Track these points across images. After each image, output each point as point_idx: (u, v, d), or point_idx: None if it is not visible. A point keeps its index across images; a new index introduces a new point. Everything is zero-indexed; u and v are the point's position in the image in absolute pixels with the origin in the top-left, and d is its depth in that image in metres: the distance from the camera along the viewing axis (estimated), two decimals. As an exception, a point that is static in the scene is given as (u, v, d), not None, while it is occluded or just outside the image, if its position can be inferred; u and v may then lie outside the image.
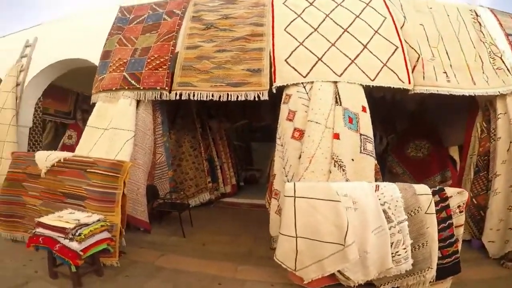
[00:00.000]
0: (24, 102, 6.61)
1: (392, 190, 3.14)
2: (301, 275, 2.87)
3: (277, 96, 4.20)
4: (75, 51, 6.03)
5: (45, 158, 4.07)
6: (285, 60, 4.14)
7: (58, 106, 8.05)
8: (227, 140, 7.93)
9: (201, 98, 4.22)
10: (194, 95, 4.24)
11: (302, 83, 3.98)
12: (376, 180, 3.65)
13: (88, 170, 3.79)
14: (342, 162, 3.48)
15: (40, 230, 3.25)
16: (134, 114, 4.59)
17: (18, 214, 4.22)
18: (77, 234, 3.07)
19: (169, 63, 4.55)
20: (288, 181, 3.58)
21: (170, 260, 3.94)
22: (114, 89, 4.63)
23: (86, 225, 3.19)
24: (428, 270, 3.04)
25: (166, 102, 5.14)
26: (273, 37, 4.33)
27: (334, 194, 2.97)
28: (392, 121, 7.71)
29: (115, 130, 4.49)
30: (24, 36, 6.99)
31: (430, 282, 3.11)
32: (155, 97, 4.52)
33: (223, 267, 3.74)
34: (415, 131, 7.18)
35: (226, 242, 4.69)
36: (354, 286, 3.03)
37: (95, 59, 5.54)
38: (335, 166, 3.47)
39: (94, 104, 5.05)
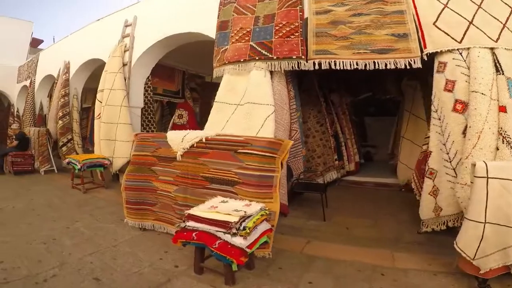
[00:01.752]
0: (133, 83, 6.40)
1: None
2: (478, 264, 2.51)
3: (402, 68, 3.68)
4: (184, 25, 5.51)
5: (181, 139, 3.62)
6: (434, 24, 3.60)
7: (166, 85, 7.81)
8: (349, 115, 7.22)
9: (344, 67, 3.74)
10: (335, 64, 3.76)
11: (457, 49, 3.46)
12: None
13: (239, 150, 3.23)
14: (510, 138, 3.11)
15: (191, 224, 2.75)
16: (271, 86, 4.06)
17: (147, 201, 3.83)
18: (241, 228, 2.56)
19: (301, 30, 4.08)
20: (449, 160, 3.36)
21: (318, 247, 3.50)
22: (242, 60, 4.21)
23: (249, 216, 2.67)
24: None
25: (294, 73, 4.67)
26: (412, -1, 3.77)
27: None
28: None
29: (252, 105, 4.01)
30: (120, 17, 6.73)
31: None
32: (292, 67, 4.01)
33: (379, 254, 3.28)
34: None
35: (368, 225, 4.22)
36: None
37: (209, 31, 5.08)
38: (503, 143, 3.11)
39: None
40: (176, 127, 7.96)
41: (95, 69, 7.95)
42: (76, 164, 5.68)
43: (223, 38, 4.65)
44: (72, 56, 8.07)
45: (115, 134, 6.16)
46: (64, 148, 7.72)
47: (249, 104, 4.03)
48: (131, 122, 6.24)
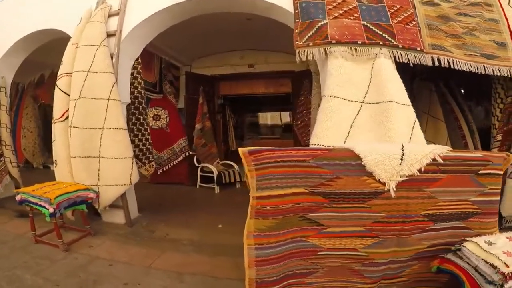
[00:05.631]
0: (120, 65, 4.12)
1: None
2: None
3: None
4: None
5: (398, 158, 1.94)
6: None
7: (145, 75, 5.39)
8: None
9: (459, 67, 3.25)
10: (453, 63, 3.24)
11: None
12: None
13: (481, 172, 2.15)
14: None
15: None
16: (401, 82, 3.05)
17: (296, 272, 2.12)
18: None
19: (416, 18, 3.40)
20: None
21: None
22: (360, 42, 3.12)
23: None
24: None
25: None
26: (502, 8, 3.65)
27: None
28: None
29: (389, 104, 2.78)
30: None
31: None
32: (413, 60, 3.16)
33: None
34: None
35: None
36: None
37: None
38: None
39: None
40: (152, 132, 5.52)
41: (38, 47, 5.17)
42: (44, 207, 3.14)
43: (315, 9, 3.36)
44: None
45: (99, 146, 3.78)
46: (-11, 171, 4.67)
47: (385, 103, 2.87)
48: (126, 126, 3.92)
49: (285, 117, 16.61)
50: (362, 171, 2.00)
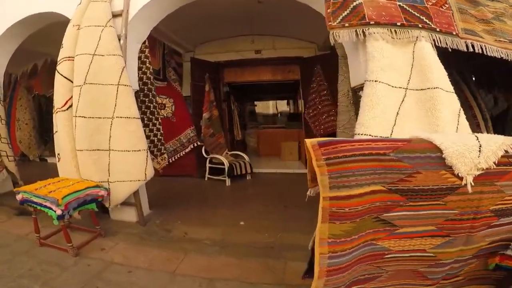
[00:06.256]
0: (129, 48, 3.73)
1: None
2: None
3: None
4: None
5: (476, 149, 1.64)
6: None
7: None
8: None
9: (491, 54, 2.98)
10: (486, 49, 2.97)
11: None
12: None
13: None
14: None
15: None
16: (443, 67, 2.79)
17: (360, 278, 1.90)
18: None
19: (449, 1, 3.15)
20: None
21: None
22: (399, 24, 2.85)
23: None
24: None
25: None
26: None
27: None
28: None
29: (433, 91, 2.56)
30: None
31: None
32: (450, 44, 2.88)
33: None
34: None
35: None
36: None
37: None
38: None
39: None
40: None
41: (30, 35, 4.71)
42: (50, 208, 2.78)
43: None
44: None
45: (109, 138, 3.41)
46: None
47: (431, 90, 2.65)
48: (139, 115, 3.55)
49: (283, 105, 16.29)
50: (441, 164, 1.71)
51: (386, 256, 1.90)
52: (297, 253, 2.79)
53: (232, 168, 5.70)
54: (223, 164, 5.71)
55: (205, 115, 6.08)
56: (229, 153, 6.51)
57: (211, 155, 5.98)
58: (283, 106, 16.74)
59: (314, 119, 6.34)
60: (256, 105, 15.59)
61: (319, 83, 6.25)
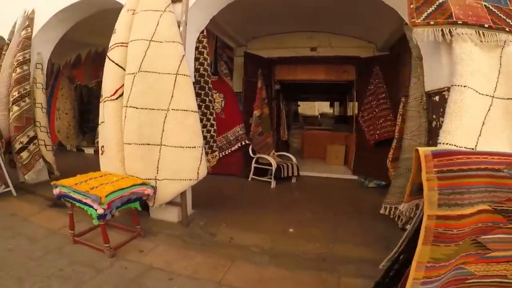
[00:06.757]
0: (189, 35, 3.50)
1: None
2: None
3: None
4: None
5: None
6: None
7: None
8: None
9: None
10: None
11: None
12: None
13: None
14: None
15: None
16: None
17: None
18: None
19: None
20: None
21: None
22: (487, 26, 2.59)
23: None
24: None
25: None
26: None
27: None
28: None
29: None
30: None
31: None
32: None
33: None
34: None
35: None
36: None
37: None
38: None
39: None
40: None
41: (75, 25, 4.69)
42: (90, 206, 2.57)
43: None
44: (39, 1, 4.52)
45: (162, 132, 3.17)
46: (24, 154, 4.31)
47: None
48: (197, 109, 3.29)
49: (324, 107, 15.63)
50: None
51: (468, 281, 1.80)
52: (350, 267, 2.61)
53: (280, 169, 5.36)
54: (269, 164, 5.39)
55: (256, 112, 5.79)
56: (276, 153, 6.17)
57: (258, 155, 5.67)
58: (324, 107, 16.18)
59: (369, 123, 5.83)
60: (299, 105, 15.16)
61: (377, 85, 5.74)
